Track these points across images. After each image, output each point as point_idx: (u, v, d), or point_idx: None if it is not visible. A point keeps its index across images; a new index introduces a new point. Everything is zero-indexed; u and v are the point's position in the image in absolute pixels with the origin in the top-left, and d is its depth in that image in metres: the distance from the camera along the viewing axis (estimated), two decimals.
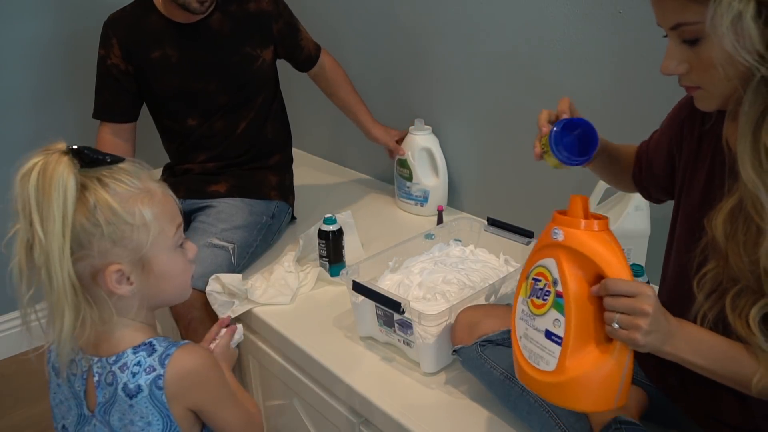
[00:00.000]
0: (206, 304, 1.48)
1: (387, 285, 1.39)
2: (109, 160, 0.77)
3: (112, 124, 1.72)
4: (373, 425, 1.23)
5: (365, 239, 1.75)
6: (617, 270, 0.81)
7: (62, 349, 0.78)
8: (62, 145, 0.76)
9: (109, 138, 1.70)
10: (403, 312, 1.19)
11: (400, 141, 1.91)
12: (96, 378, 0.82)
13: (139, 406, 0.79)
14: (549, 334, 0.84)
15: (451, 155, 1.95)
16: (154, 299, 0.83)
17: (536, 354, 0.86)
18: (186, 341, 0.84)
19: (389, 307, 1.21)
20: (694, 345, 0.82)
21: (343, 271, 1.35)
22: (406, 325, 1.23)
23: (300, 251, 1.63)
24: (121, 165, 0.79)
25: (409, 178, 1.94)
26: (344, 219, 1.66)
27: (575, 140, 1.02)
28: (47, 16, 2.05)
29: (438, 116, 1.95)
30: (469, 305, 1.22)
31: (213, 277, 1.48)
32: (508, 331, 1.13)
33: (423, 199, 1.95)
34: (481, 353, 1.12)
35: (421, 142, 1.90)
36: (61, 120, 2.18)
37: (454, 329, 1.19)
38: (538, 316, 0.86)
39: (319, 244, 1.59)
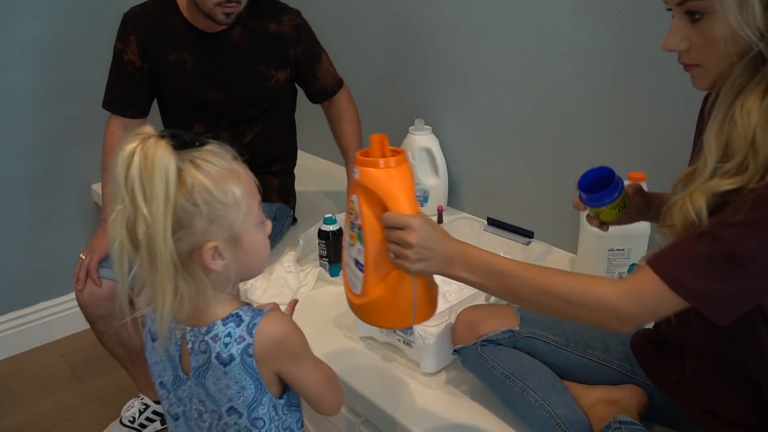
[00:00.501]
0: None
1: None
2: (198, 144, 0.81)
3: (122, 119, 1.70)
4: (373, 425, 1.23)
5: None
6: (397, 203, 0.91)
7: (162, 324, 0.82)
8: (152, 130, 0.79)
9: (118, 132, 1.69)
10: None
11: None
12: (189, 345, 0.87)
13: (233, 373, 0.85)
14: (356, 263, 0.96)
15: (451, 155, 1.95)
16: (242, 273, 0.88)
17: (351, 280, 0.99)
18: (269, 308, 0.89)
19: None
20: (470, 265, 0.90)
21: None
22: None
23: (300, 251, 1.63)
24: (207, 147, 0.82)
25: None
26: (344, 219, 1.66)
27: (599, 185, 1.08)
28: (55, 13, 2.05)
29: (438, 116, 1.95)
30: (469, 305, 1.22)
31: None
32: (509, 331, 1.13)
33: (423, 199, 1.95)
34: (481, 353, 1.12)
35: (421, 142, 1.90)
36: (68, 117, 2.17)
37: (455, 329, 1.19)
38: (351, 246, 0.98)
39: (319, 244, 1.59)
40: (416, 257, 0.89)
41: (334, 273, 1.57)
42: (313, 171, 2.28)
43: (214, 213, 0.80)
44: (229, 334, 0.85)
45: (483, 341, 1.13)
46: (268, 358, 0.85)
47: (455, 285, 1.37)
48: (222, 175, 0.81)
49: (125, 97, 1.69)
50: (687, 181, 0.85)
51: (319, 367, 0.92)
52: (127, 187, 0.76)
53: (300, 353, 0.89)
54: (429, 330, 1.20)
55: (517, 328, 1.14)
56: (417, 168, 1.91)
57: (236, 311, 0.87)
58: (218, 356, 0.85)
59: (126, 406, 1.84)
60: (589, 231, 1.43)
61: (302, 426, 0.97)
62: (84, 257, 1.64)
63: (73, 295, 2.33)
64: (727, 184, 0.78)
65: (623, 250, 1.42)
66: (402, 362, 1.29)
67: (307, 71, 1.74)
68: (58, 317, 2.32)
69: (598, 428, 1.00)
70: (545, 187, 1.71)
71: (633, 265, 1.32)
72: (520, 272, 0.89)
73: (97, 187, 2.27)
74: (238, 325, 0.85)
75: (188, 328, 0.87)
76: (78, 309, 2.33)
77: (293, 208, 1.88)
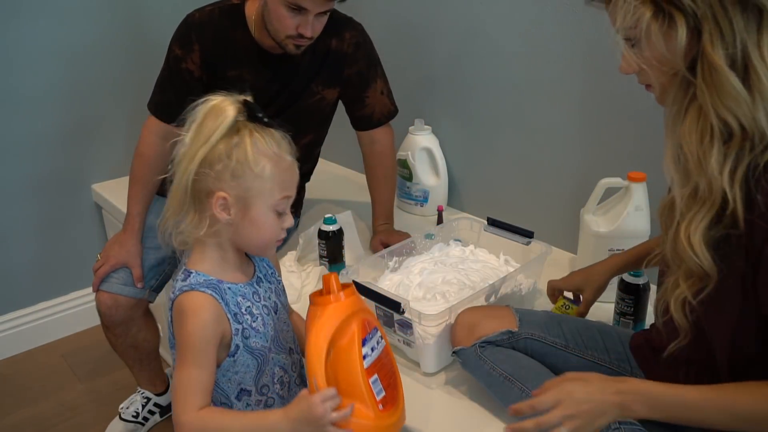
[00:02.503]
0: None
1: (387, 285, 1.39)
2: (265, 122, 0.95)
3: (163, 125, 1.60)
4: None
5: (365, 239, 1.75)
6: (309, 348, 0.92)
7: (163, 227, 0.97)
8: (242, 98, 0.94)
9: (157, 142, 1.59)
10: (403, 312, 1.19)
11: (386, 244, 1.61)
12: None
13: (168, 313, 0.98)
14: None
15: (451, 155, 1.95)
16: (238, 237, 0.97)
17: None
18: (205, 289, 0.94)
19: (389, 307, 1.21)
20: (650, 405, 0.87)
21: (343, 271, 1.35)
22: (406, 326, 1.23)
23: (300, 250, 1.63)
24: (271, 130, 0.95)
25: (409, 178, 1.94)
26: (344, 219, 1.66)
27: None
28: (58, 15, 2.05)
29: (438, 116, 1.95)
30: (468, 306, 1.22)
31: None
32: (508, 332, 1.13)
33: (423, 199, 1.95)
34: (480, 354, 1.12)
35: (421, 142, 1.90)
36: (69, 117, 2.18)
37: (454, 330, 1.19)
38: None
39: (319, 244, 1.59)
40: (578, 424, 0.87)
41: None
42: (314, 171, 2.28)
43: (238, 171, 0.91)
44: (176, 280, 0.97)
45: (482, 342, 1.13)
46: (175, 322, 0.95)
47: (455, 285, 1.37)
48: (265, 153, 0.93)
49: (174, 104, 1.59)
50: (668, 212, 0.89)
51: (185, 380, 0.92)
52: (193, 119, 0.92)
53: (183, 348, 0.92)
54: (429, 330, 1.20)
55: (515, 329, 1.14)
56: (417, 168, 1.91)
57: (193, 270, 0.96)
58: (172, 292, 0.97)
59: (126, 401, 1.85)
60: (589, 231, 1.43)
61: (245, 397, 1.00)
62: (99, 259, 1.63)
63: (72, 295, 2.35)
64: (704, 220, 0.82)
65: (623, 250, 1.42)
66: (402, 362, 1.29)
67: (355, 93, 1.67)
68: (58, 317, 2.32)
69: None
70: (545, 187, 1.71)
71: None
72: (703, 402, 0.86)
73: (97, 187, 2.27)
74: (182, 281, 0.96)
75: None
76: (78, 309, 2.36)
77: (299, 216, 1.88)
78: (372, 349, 0.97)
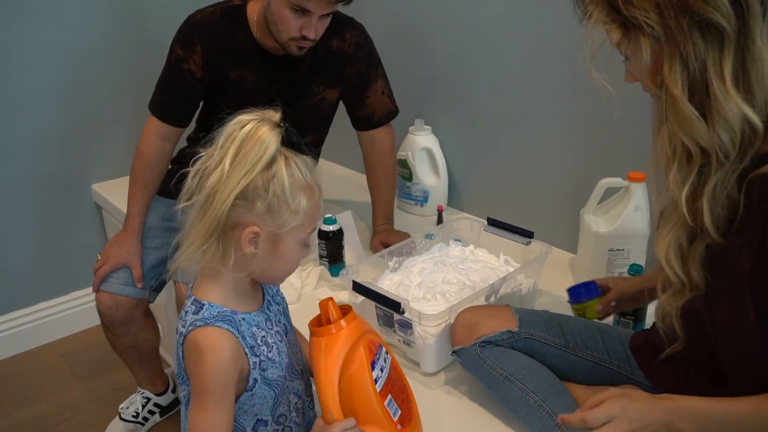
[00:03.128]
0: None
1: (387, 285, 1.39)
2: (300, 150, 0.89)
3: (164, 125, 1.60)
4: None
5: (365, 239, 1.75)
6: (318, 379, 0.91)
7: (177, 263, 0.89)
8: (274, 116, 0.87)
9: (158, 142, 1.60)
10: (403, 312, 1.19)
11: (386, 244, 1.61)
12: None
13: (178, 343, 0.91)
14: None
15: (451, 155, 1.95)
16: (261, 271, 0.92)
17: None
18: (221, 324, 0.88)
19: (389, 307, 1.21)
20: (696, 422, 0.86)
21: (343, 271, 1.35)
22: (406, 325, 1.23)
23: None
24: (304, 156, 0.90)
25: (409, 178, 1.94)
26: (344, 219, 1.66)
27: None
28: (58, 15, 2.06)
29: (438, 116, 1.95)
30: (468, 306, 1.22)
31: None
32: (508, 332, 1.13)
33: (423, 199, 1.95)
34: (480, 354, 1.12)
35: (421, 142, 1.90)
36: (69, 117, 2.18)
37: (454, 330, 1.19)
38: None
39: (319, 244, 1.59)
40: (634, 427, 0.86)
41: (334, 273, 1.57)
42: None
43: (275, 206, 0.86)
44: (186, 312, 0.90)
45: (482, 342, 1.13)
46: (187, 363, 0.89)
47: (455, 285, 1.37)
48: (300, 184, 0.87)
49: (175, 104, 1.61)
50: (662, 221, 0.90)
51: (201, 419, 0.87)
52: (225, 143, 0.84)
53: (202, 391, 0.87)
54: (429, 330, 1.20)
55: (515, 329, 1.14)
56: (417, 168, 1.91)
57: (205, 302, 0.90)
58: (182, 325, 0.91)
59: (126, 402, 1.85)
60: (589, 231, 1.43)
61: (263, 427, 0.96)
62: (99, 259, 1.63)
63: (72, 295, 2.35)
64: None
65: (623, 250, 1.42)
66: (402, 362, 1.29)
67: (356, 93, 1.67)
68: (58, 317, 2.32)
69: None
70: (545, 187, 1.71)
71: (633, 265, 1.32)
72: (754, 414, 0.84)
73: (97, 187, 2.28)
74: (194, 314, 0.89)
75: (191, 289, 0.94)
76: (78, 309, 2.36)
77: None
78: (382, 370, 0.95)
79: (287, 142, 0.87)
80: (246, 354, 0.90)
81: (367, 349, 0.93)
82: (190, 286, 0.94)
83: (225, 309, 0.90)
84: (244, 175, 0.83)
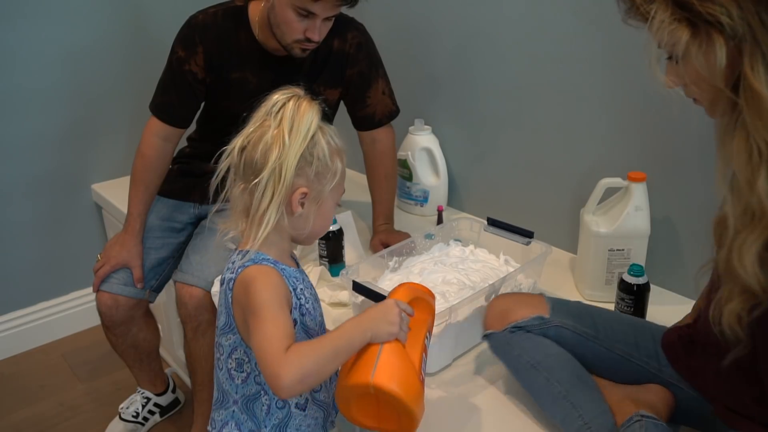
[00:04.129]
0: (215, 308, 1.48)
1: (387, 285, 1.39)
2: (328, 119, 0.98)
3: (165, 126, 1.60)
4: None
5: (365, 239, 1.75)
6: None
7: (258, 241, 0.94)
8: (302, 91, 0.96)
9: (158, 143, 1.60)
10: None
11: (386, 244, 1.62)
12: None
13: (223, 294, 0.98)
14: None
15: (451, 155, 1.95)
16: (302, 229, 0.99)
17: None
18: (267, 263, 0.94)
19: None
20: None
21: (343, 271, 1.35)
22: None
23: (300, 250, 1.63)
24: (332, 126, 0.99)
25: (409, 178, 1.94)
26: (344, 219, 1.66)
27: None
28: (59, 15, 2.06)
29: (438, 116, 1.95)
30: (468, 305, 1.22)
31: (218, 278, 1.47)
32: (539, 318, 1.14)
33: (423, 199, 1.95)
34: (509, 339, 1.13)
35: (421, 142, 1.90)
36: (69, 117, 2.18)
37: (486, 315, 1.20)
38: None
39: (319, 244, 1.59)
40: None
41: (334, 273, 1.57)
42: None
43: (320, 169, 0.95)
44: (233, 262, 0.97)
45: (513, 327, 1.13)
46: (238, 300, 0.94)
47: (455, 285, 1.37)
48: (335, 149, 0.97)
49: (176, 105, 1.61)
50: (720, 228, 0.86)
51: (268, 333, 0.87)
52: (276, 118, 0.93)
53: (258, 308, 0.89)
54: None
55: (547, 315, 1.14)
56: (417, 168, 1.91)
57: (250, 250, 0.95)
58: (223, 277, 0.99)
59: (126, 402, 1.85)
60: (589, 231, 1.43)
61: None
62: (100, 259, 1.63)
63: (72, 295, 2.35)
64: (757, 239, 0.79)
65: (623, 250, 1.42)
66: None
67: (356, 94, 1.66)
68: (58, 317, 2.32)
69: (621, 421, 0.99)
70: (545, 187, 1.71)
71: (633, 265, 1.32)
72: None
73: (97, 187, 2.28)
74: (240, 259, 0.95)
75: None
76: (78, 309, 2.36)
77: None
78: (425, 351, 0.99)
79: (323, 114, 0.97)
80: (291, 291, 0.95)
81: (432, 320, 1.01)
82: (235, 248, 1.01)
83: (269, 257, 0.96)
84: (300, 144, 0.92)
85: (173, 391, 1.92)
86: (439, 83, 1.91)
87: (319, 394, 1.02)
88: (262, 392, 0.97)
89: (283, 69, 1.59)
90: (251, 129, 0.95)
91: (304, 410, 1.00)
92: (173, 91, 1.59)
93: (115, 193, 2.16)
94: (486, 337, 1.18)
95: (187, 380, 1.86)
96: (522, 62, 1.67)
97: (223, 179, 0.97)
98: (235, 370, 0.98)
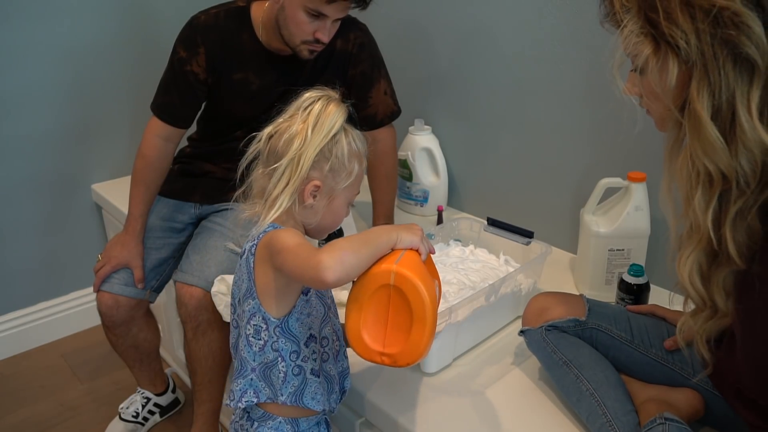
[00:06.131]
0: (215, 308, 1.48)
1: None
2: (355, 124, 1.04)
3: (167, 126, 1.60)
4: (373, 425, 1.23)
5: None
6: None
7: (265, 221, 1.00)
8: (336, 94, 1.02)
9: (160, 143, 1.60)
10: None
11: None
12: None
13: (242, 264, 1.02)
14: None
15: (451, 155, 1.95)
16: (311, 221, 1.05)
17: None
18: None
19: None
20: None
21: None
22: None
23: None
24: (357, 130, 1.05)
25: (409, 178, 1.94)
26: (345, 219, 1.66)
27: None
28: (59, 14, 2.06)
29: (438, 116, 1.95)
30: (469, 305, 1.22)
31: (218, 278, 1.47)
32: (575, 320, 1.16)
33: (423, 199, 1.95)
34: (545, 337, 1.16)
35: (421, 142, 1.90)
36: (69, 117, 2.18)
37: (525, 312, 1.24)
38: None
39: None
40: None
41: None
42: None
43: (336, 166, 1.01)
44: (251, 234, 1.02)
45: (548, 326, 1.16)
46: (261, 257, 0.98)
47: (455, 285, 1.37)
48: (354, 152, 1.03)
49: (178, 105, 1.60)
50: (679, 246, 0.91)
51: (299, 249, 0.92)
52: (303, 114, 1.00)
53: (284, 244, 0.94)
54: None
55: (583, 318, 1.16)
56: (417, 168, 1.91)
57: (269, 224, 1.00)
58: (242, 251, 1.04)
59: (126, 402, 1.85)
60: (589, 231, 1.43)
61: (300, 362, 1.01)
62: (100, 259, 1.63)
63: (72, 295, 2.35)
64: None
65: (623, 250, 1.42)
66: None
67: (359, 94, 1.65)
68: (58, 317, 2.32)
69: (644, 421, 1.00)
70: (545, 187, 1.71)
71: (633, 265, 1.32)
72: None
73: (97, 187, 2.28)
74: (257, 230, 1.00)
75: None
76: (78, 309, 2.36)
77: None
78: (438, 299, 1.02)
79: (349, 118, 1.03)
80: None
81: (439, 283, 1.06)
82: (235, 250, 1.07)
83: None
84: (320, 140, 0.98)
85: (173, 391, 1.92)
86: (439, 83, 1.91)
87: (327, 364, 1.06)
88: (279, 359, 1.00)
89: (286, 69, 1.59)
90: (281, 120, 1.02)
91: (318, 377, 1.03)
92: (174, 91, 1.59)
93: (116, 194, 2.16)
94: (522, 332, 1.22)
95: (187, 380, 1.86)
96: (522, 62, 1.67)
97: (248, 166, 1.04)
98: (252, 336, 1.00)
